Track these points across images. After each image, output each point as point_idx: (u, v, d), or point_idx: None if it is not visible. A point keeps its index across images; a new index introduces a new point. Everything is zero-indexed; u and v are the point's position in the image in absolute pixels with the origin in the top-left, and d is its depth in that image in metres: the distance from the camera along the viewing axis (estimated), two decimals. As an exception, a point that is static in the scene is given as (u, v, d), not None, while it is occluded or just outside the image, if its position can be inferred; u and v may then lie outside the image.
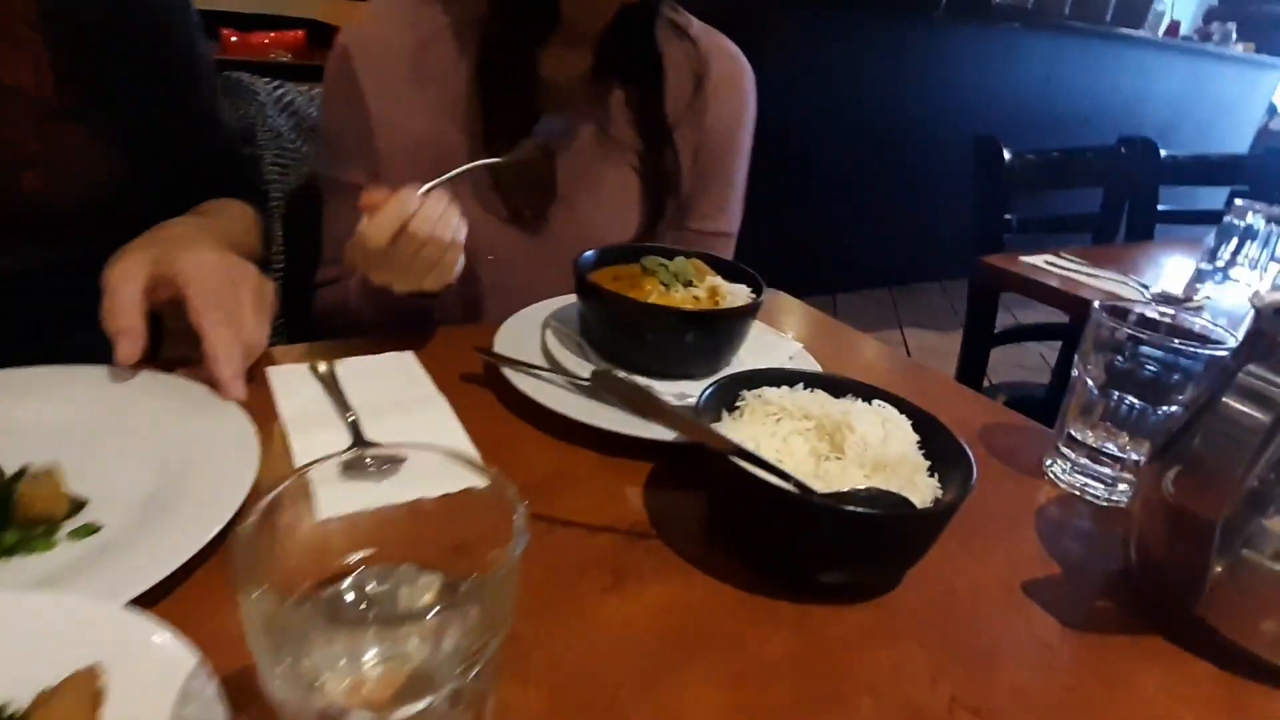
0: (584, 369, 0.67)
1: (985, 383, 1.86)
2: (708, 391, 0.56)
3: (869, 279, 3.82)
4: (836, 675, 0.44)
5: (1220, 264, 1.36)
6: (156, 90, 0.79)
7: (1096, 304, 0.63)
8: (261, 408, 0.60)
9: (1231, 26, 4.57)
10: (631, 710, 0.40)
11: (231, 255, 0.66)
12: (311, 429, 0.58)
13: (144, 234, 0.66)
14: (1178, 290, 1.34)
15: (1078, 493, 0.64)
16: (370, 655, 0.29)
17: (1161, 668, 0.48)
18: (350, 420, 0.59)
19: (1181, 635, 0.49)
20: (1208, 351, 0.57)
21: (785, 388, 0.58)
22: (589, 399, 0.63)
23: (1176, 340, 0.58)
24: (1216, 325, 0.62)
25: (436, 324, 0.79)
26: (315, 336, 0.93)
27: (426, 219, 0.65)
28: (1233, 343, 0.59)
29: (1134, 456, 0.62)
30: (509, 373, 0.66)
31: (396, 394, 0.65)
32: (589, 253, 0.74)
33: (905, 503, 0.48)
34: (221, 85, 1.02)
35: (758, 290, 0.73)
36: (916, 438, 0.54)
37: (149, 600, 0.39)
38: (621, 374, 0.65)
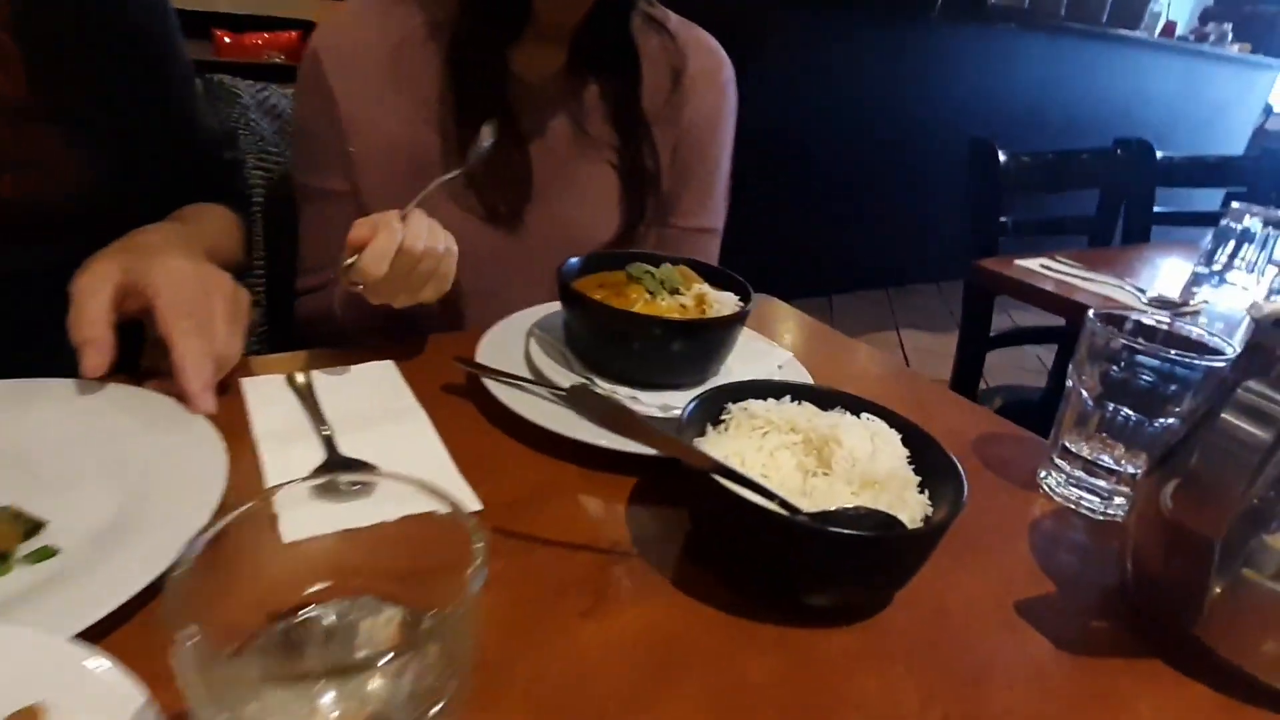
0: (567, 379, 0.65)
1: (982, 385, 1.85)
2: (691, 405, 0.54)
3: (865, 280, 3.81)
4: (823, 699, 0.43)
5: (1217, 268, 1.35)
6: (134, 93, 0.78)
7: (1091, 313, 0.61)
8: (234, 421, 0.58)
9: (1227, 27, 4.57)
10: (609, 740, 0.39)
11: (205, 264, 0.65)
12: (284, 444, 0.56)
13: (115, 241, 0.65)
14: (1174, 294, 1.33)
15: (1072, 506, 0.63)
16: (327, 699, 0.27)
17: (1158, 690, 0.46)
18: (325, 434, 0.57)
19: (1178, 656, 0.48)
20: (1205, 362, 0.56)
21: (772, 400, 0.57)
22: (572, 410, 0.62)
23: (1173, 351, 0.57)
24: (1213, 332, 0.60)
25: (419, 331, 0.78)
26: (298, 343, 0.91)
27: (417, 235, 0.65)
28: (1231, 352, 0.57)
29: (1130, 469, 0.61)
30: (490, 383, 0.65)
31: (374, 406, 0.64)
32: (573, 260, 0.73)
33: (894, 522, 0.46)
34: (204, 88, 1.01)
35: (746, 298, 0.72)
36: (906, 452, 0.53)
37: (101, 631, 0.38)
38: (601, 389, 0.64)
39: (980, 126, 3.27)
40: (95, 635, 0.37)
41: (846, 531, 0.44)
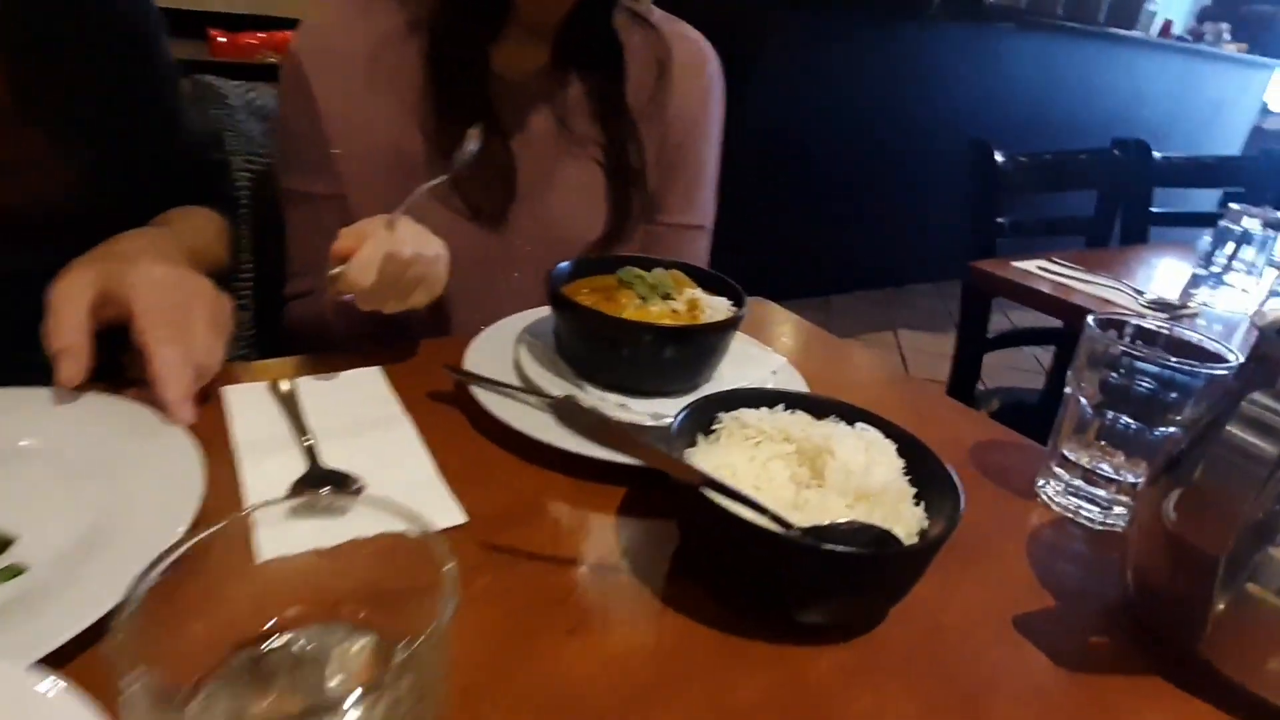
0: (557, 387, 0.64)
1: (979, 386, 1.84)
2: (682, 414, 0.53)
3: (863, 280, 3.80)
4: (817, 719, 0.41)
5: (1215, 269, 1.34)
6: (117, 96, 0.76)
7: (1090, 319, 0.60)
8: (214, 430, 0.57)
9: (1224, 26, 4.56)
10: (594, 766, 0.38)
11: (186, 270, 0.63)
12: (264, 455, 0.55)
13: (95, 247, 0.63)
14: (1172, 296, 1.32)
15: (1071, 515, 0.61)
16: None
17: (1159, 708, 0.45)
18: (307, 444, 0.56)
19: (1180, 673, 0.47)
20: (1207, 370, 0.55)
21: (765, 409, 0.56)
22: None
23: (1174, 358, 0.56)
24: (1213, 337, 0.59)
25: (410, 335, 0.76)
26: (286, 347, 0.90)
27: (404, 241, 0.63)
28: (1232, 360, 0.56)
29: (1130, 478, 0.59)
30: (478, 391, 0.63)
31: (360, 414, 0.62)
32: (563, 264, 0.71)
33: (888, 537, 0.45)
34: (190, 89, 0.99)
35: (739, 302, 0.70)
36: (902, 463, 0.52)
37: (64, 656, 0.36)
38: (591, 396, 0.63)
39: (977, 126, 3.26)
40: (61, 658, 0.36)
41: (839, 549, 0.43)
